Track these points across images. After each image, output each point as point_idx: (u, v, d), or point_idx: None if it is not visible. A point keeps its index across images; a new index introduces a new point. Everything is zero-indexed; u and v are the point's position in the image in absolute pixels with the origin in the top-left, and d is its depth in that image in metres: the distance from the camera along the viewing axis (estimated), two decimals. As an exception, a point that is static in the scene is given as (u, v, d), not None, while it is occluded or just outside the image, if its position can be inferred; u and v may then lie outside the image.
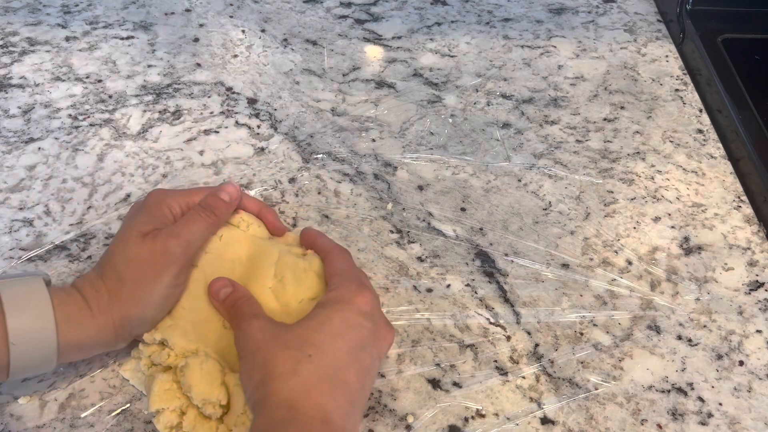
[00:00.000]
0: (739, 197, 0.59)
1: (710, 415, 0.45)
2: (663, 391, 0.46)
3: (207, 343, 0.44)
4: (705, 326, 0.50)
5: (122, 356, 0.46)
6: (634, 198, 0.59)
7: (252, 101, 0.67)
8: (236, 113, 0.65)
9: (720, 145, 0.64)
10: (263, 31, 0.75)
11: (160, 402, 0.42)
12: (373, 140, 0.63)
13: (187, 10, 0.77)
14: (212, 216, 0.46)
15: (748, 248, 0.55)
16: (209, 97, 0.67)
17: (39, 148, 0.61)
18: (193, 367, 0.42)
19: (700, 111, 0.67)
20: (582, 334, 0.49)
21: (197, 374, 0.42)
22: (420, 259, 0.53)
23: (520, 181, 0.60)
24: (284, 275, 0.47)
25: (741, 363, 0.48)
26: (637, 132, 0.65)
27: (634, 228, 0.56)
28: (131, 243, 0.43)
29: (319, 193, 0.58)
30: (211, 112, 0.65)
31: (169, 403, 0.42)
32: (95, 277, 0.42)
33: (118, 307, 0.41)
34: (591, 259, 0.54)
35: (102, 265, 0.43)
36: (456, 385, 0.46)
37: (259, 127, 0.64)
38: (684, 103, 0.68)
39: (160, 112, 0.65)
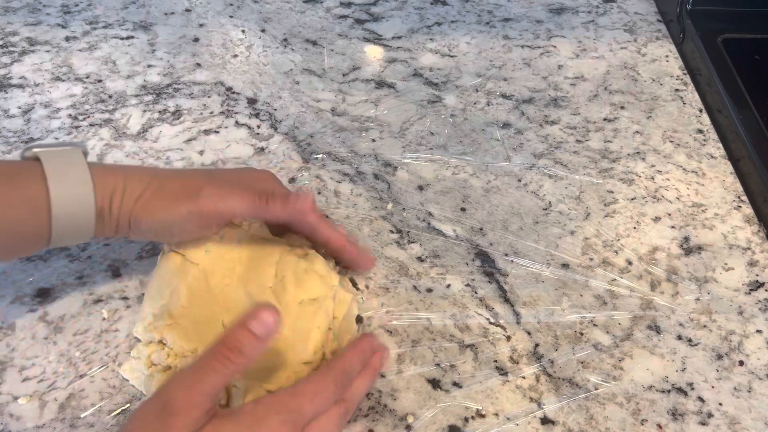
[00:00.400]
0: (739, 197, 0.59)
1: (710, 415, 0.45)
2: (663, 391, 0.46)
3: (207, 342, 0.44)
4: (705, 326, 0.50)
5: (122, 356, 0.46)
6: (634, 198, 0.59)
7: (252, 101, 0.67)
8: (236, 113, 0.65)
9: (720, 145, 0.64)
10: (263, 31, 0.75)
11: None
12: (373, 140, 0.63)
13: (187, 10, 0.77)
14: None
15: (748, 248, 0.55)
16: (209, 97, 0.67)
17: (39, 148, 0.61)
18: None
19: (700, 111, 0.67)
20: (582, 334, 0.49)
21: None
22: (420, 259, 0.53)
23: (520, 181, 0.60)
24: (285, 275, 0.47)
25: (741, 363, 0.48)
26: (637, 132, 0.65)
27: (634, 228, 0.56)
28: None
29: (319, 193, 0.58)
30: (211, 112, 0.65)
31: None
32: (149, 176, 0.43)
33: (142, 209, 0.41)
34: (591, 259, 0.54)
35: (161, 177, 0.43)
36: (456, 385, 0.46)
37: (259, 127, 0.64)
38: (684, 103, 0.68)
39: (160, 112, 0.65)
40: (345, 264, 0.51)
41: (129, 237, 0.44)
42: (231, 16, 0.77)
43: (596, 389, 0.46)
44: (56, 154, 0.40)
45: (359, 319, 0.49)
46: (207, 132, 0.63)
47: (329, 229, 0.48)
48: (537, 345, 0.48)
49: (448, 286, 0.52)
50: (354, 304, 0.49)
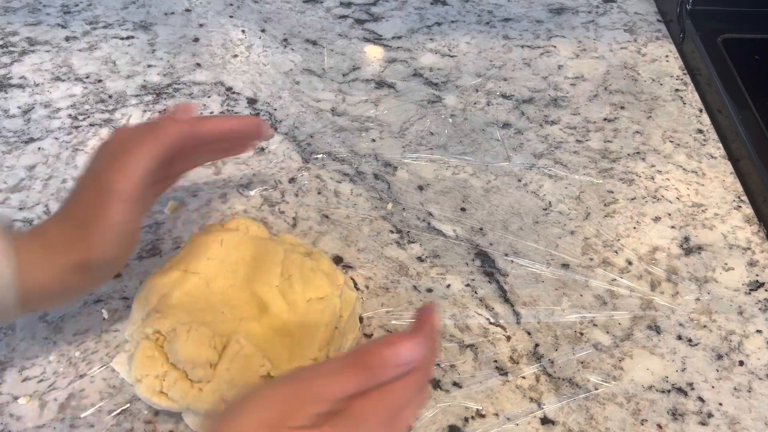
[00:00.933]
0: (739, 197, 0.59)
1: (710, 415, 0.45)
2: (663, 391, 0.46)
3: (202, 320, 0.44)
4: (705, 326, 0.50)
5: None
6: (634, 198, 0.59)
7: (252, 101, 0.67)
8: (236, 113, 0.65)
9: (720, 145, 0.64)
10: (263, 31, 0.75)
11: (142, 368, 0.42)
12: (373, 140, 0.63)
13: (187, 10, 0.77)
14: (165, 137, 0.42)
15: (748, 248, 0.55)
16: (209, 97, 0.67)
17: (39, 148, 0.61)
18: (180, 334, 0.42)
19: (700, 111, 0.67)
20: (582, 334, 0.49)
21: (183, 339, 0.42)
22: (420, 259, 0.53)
23: (520, 181, 0.60)
24: (291, 274, 0.47)
25: (741, 363, 0.48)
26: (637, 132, 0.65)
27: (634, 228, 0.56)
28: (79, 183, 0.42)
29: (319, 193, 0.58)
30: (211, 112, 0.65)
31: (152, 370, 0.42)
32: (54, 221, 0.42)
33: (76, 250, 0.40)
34: (591, 259, 0.54)
35: (59, 209, 0.42)
36: (456, 385, 0.46)
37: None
38: (684, 103, 0.68)
39: (160, 112, 0.65)
40: (244, 141, 0.51)
41: (107, 278, 0.45)
42: (231, 16, 0.77)
43: (596, 389, 0.46)
44: None
45: (360, 319, 0.49)
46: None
47: (212, 120, 0.49)
48: (537, 345, 0.48)
49: (448, 286, 0.52)
50: (358, 303, 0.49)
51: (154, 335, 0.43)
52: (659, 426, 0.44)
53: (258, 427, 0.32)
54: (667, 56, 0.74)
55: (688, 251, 0.55)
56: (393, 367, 0.34)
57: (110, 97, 0.66)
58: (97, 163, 0.43)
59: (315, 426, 0.32)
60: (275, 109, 0.66)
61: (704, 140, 0.64)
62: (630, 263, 0.54)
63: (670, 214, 0.57)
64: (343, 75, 0.70)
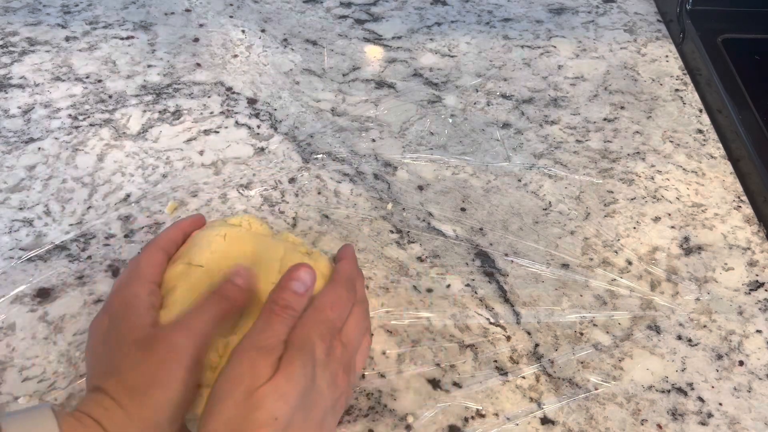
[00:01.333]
0: (739, 197, 0.59)
1: (710, 415, 0.45)
2: (663, 391, 0.46)
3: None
4: (705, 326, 0.50)
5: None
6: (634, 198, 0.59)
7: (252, 101, 0.67)
8: (236, 113, 0.65)
9: (720, 145, 0.64)
10: (263, 31, 0.75)
11: None
12: (373, 140, 0.63)
13: (187, 10, 0.77)
14: (225, 302, 0.41)
15: (748, 248, 0.55)
16: (209, 97, 0.67)
17: (39, 148, 0.61)
18: None
19: (700, 111, 0.67)
20: (582, 334, 0.49)
21: None
22: (420, 259, 0.53)
23: (520, 181, 0.60)
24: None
25: (741, 363, 0.48)
26: (637, 132, 0.65)
27: (634, 228, 0.56)
28: (129, 351, 0.38)
29: (319, 193, 0.58)
30: (211, 112, 0.65)
31: None
32: (100, 397, 0.37)
33: (140, 420, 0.37)
34: (591, 259, 0.54)
35: (102, 381, 0.38)
36: (456, 385, 0.46)
37: (259, 127, 0.64)
38: (684, 103, 0.68)
39: (160, 112, 0.65)
40: None
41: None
42: (231, 16, 0.77)
43: (596, 389, 0.46)
44: (22, 417, 0.35)
45: None
46: (207, 132, 0.63)
47: None
48: (537, 345, 0.48)
49: (448, 286, 0.52)
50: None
51: None
52: (659, 426, 0.44)
53: (234, 402, 0.36)
54: (667, 56, 0.74)
55: (688, 251, 0.55)
56: (303, 293, 0.41)
57: (110, 97, 0.66)
58: (130, 331, 0.39)
59: (276, 372, 0.36)
60: (275, 109, 0.66)
61: (704, 140, 0.64)
62: (630, 263, 0.54)
63: (670, 214, 0.57)
64: (343, 75, 0.70)
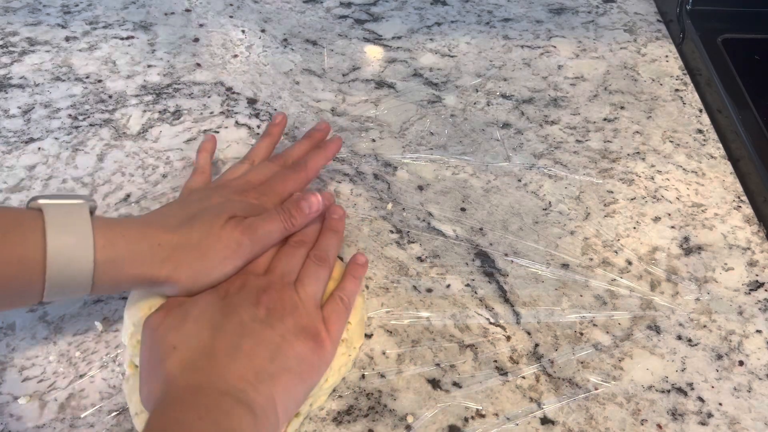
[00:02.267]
0: (739, 197, 0.59)
1: (710, 415, 0.45)
2: (663, 391, 0.46)
3: None
4: (705, 326, 0.50)
5: (122, 357, 0.46)
6: (634, 198, 0.59)
7: (252, 101, 0.67)
8: (236, 113, 0.65)
9: (720, 145, 0.64)
10: (263, 31, 0.75)
11: (139, 404, 0.41)
12: (373, 140, 0.63)
13: (187, 10, 0.77)
14: (288, 221, 0.47)
15: (748, 248, 0.55)
16: (209, 97, 0.67)
17: (39, 148, 0.61)
18: None
19: (700, 111, 0.67)
20: (582, 334, 0.49)
21: None
22: (420, 259, 0.53)
23: (520, 181, 0.60)
24: None
25: (741, 363, 0.48)
26: (637, 132, 0.65)
27: (634, 228, 0.56)
28: (216, 220, 0.44)
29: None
30: (211, 112, 0.65)
31: None
32: (164, 230, 0.42)
33: (172, 267, 0.41)
34: (591, 259, 0.54)
35: (181, 222, 0.43)
36: (456, 385, 0.46)
37: (259, 127, 0.64)
38: (684, 103, 0.68)
39: (160, 112, 0.65)
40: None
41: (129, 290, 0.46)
42: (231, 16, 0.77)
43: (596, 389, 0.46)
44: (60, 208, 0.39)
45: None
46: (207, 132, 0.63)
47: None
48: (537, 345, 0.48)
49: (448, 286, 0.52)
50: (364, 308, 0.49)
51: None
52: (659, 426, 0.44)
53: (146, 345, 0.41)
54: (667, 56, 0.74)
55: (688, 251, 0.55)
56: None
57: (110, 97, 0.66)
58: (232, 209, 0.45)
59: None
60: (275, 109, 0.66)
61: (704, 140, 0.64)
62: (630, 263, 0.54)
63: (670, 214, 0.57)
64: (343, 75, 0.70)
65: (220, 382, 0.37)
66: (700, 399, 0.46)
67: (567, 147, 0.63)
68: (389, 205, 0.57)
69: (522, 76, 0.71)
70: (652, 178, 0.60)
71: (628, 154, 0.63)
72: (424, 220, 0.56)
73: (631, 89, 0.70)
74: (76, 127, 0.63)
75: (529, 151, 0.63)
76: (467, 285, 0.52)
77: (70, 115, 0.64)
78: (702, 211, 0.58)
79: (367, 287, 0.51)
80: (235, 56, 0.72)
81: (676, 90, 0.70)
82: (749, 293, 0.52)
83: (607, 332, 0.49)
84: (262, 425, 0.37)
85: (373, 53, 0.73)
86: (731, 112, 0.64)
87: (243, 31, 0.75)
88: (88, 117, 0.64)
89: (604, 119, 0.66)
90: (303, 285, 0.44)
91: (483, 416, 0.44)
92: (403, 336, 0.48)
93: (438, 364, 0.47)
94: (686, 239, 0.56)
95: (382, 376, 0.46)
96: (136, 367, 0.43)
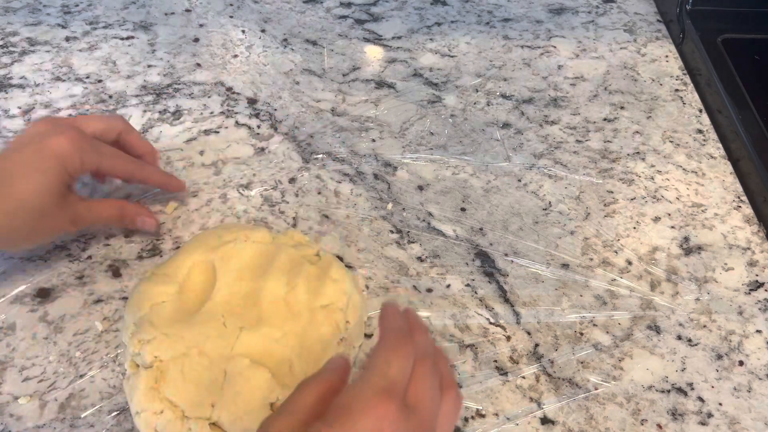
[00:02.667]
0: (739, 197, 0.59)
1: (710, 415, 0.45)
2: (663, 391, 0.46)
3: (200, 337, 0.43)
4: (705, 326, 0.50)
5: (122, 357, 0.46)
6: (634, 198, 0.59)
7: (252, 101, 0.67)
8: (236, 113, 0.65)
9: (720, 145, 0.64)
10: (263, 31, 0.75)
11: (143, 402, 0.41)
12: (373, 140, 0.63)
13: (187, 10, 0.77)
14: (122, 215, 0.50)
15: (748, 248, 0.55)
16: (209, 97, 0.67)
17: (39, 148, 0.60)
18: (174, 372, 0.41)
19: (700, 111, 0.67)
20: (582, 334, 0.49)
21: (178, 377, 0.41)
22: (420, 259, 0.53)
23: (520, 181, 0.60)
24: (297, 283, 0.46)
25: (741, 363, 0.48)
26: (637, 132, 0.65)
27: (634, 228, 0.56)
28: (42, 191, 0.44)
29: (319, 193, 0.58)
30: (211, 112, 0.65)
31: (150, 405, 0.41)
32: None
33: None
34: (591, 259, 0.54)
35: None
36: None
37: (259, 127, 0.64)
38: (684, 103, 0.68)
39: (160, 112, 0.65)
40: (156, 187, 0.56)
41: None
42: (231, 16, 0.77)
43: (596, 389, 0.46)
44: None
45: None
46: (207, 132, 0.63)
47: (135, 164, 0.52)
48: (537, 345, 0.48)
49: (448, 286, 0.52)
50: (364, 308, 0.49)
51: (154, 362, 0.42)
52: (659, 426, 0.44)
53: None
54: (666, 56, 0.74)
55: (688, 251, 0.55)
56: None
57: (110, 97, 0.66)
58: (56, 177, 0.45)
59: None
60: (275, 109, 0.66)
61: (704, 140, 0.64)
62: (630, 263, 0.54)
63: (669, 214, 0.57)
64: (343, 75, 0.70)
65: None
66: (700, 399, 0.46)
67: (567, 147, 0.63)
68: (389, 205, 0.57)
69: (522, 76, 0.71)
70: (652, 178, 0.60)
71: (628, 154, 0.63)
72: (424, 220, 0.56)
73: (631, 89, 0.70)
74: (76, 127, 0.63)
75: (529, 151, 0.63)
76: (467, 285, 0.52)
77: (70, 115, 0.64)
78: (702, 211, 0.58)
79: (367, 287, 0.51)
80: (235, 56, 0.72)
81: (676, 90, 0.70)
82: (749, 293, 0.52)
83: (607, 332, 0.49)
84: None
85: (373, 53, 0.73)
86: (731, 112, 0.64)
87: (243, 31, 0.75)
88: (88, 117, 0.64)
89: (604, 119, 0.66)
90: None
91: (483, 416, 0.44)
92: (403, 336, 0.48)
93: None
94: (686, 239, 0.56)
95: (382, 376, 0.46)
96: (137, 366, 0.43)
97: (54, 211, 0.46)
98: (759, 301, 0.51)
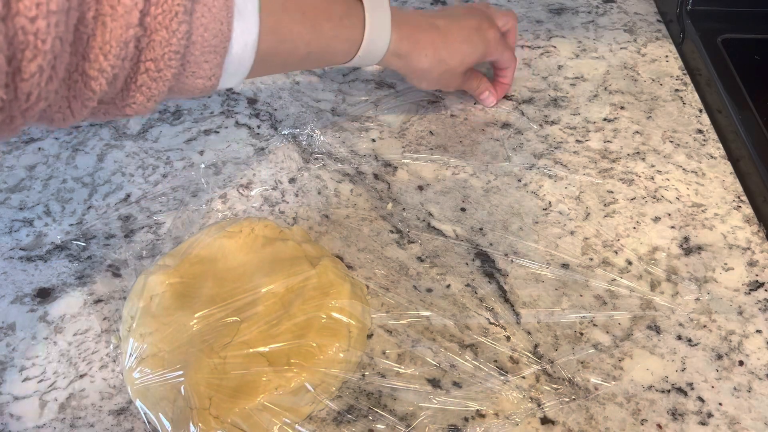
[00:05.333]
0: (739, 197, 0.59)
1: (710, 415, 0.45)
2: (663, 391, 0.46)
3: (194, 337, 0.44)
4: (705, 326, 0.50)
5: (122, 357, 0.46)
6: (634, 198, 0.59)
7: (252, 101, 0.67)
8: (236, 113, 0.65)
9: (720, 145, 0.64)
10: (263, 31, 0.75)
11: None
12: (373, 140, 0.63)
13: (187, 10, 0.77)
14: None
15: (748, 248, 0.55)
16: (209, 97, 0.67)
17: (39, 148, 0.61)
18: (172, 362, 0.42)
19: (700, 111, 0.67)
20: (582, 334, 0.49)
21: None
22: (420, 259, 0.53)
23: (520, 181, 0.60)
24: (294, 287, 0.46)
25: (741, 363, 0.48)
26: (637, 132, 0.65)
27: (634, 228, 0.56)
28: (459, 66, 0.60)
29: (319, 193, 0.58)
30: (211, 112, 0.65)
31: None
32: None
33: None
34: (591, 259, 0.54)
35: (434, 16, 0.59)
36: (456, 385, 0.46)
37: (259, 127, 0.64)
38: (684, 103, 0.68)
39: (160, 112, 0.65)
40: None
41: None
42: (231, 16, 0.77)
43: (596, 389, 0.46)
44: (376, 5, 0.53)
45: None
46: (207, 132, 0.63)
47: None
48: (537, 345, 0.48)
49: (448, 286, 0.52)
50: (367, 314, 0.49)
51: (159, 353, 0.43)
52: (659, 426, 0.44)
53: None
54: (666, 56, 0.74)
55: (688, 251, 0.55)
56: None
57: (110, 97, 0.66)
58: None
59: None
60: (275, 109, 0.66)
61: (704, 140, 0.64)
62: (630, 263, 0.54)
63: (670, 214, 0.57)
64: (343, 75, 0.70)
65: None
66: (700, 399, 0.46)
67: (567, 147, 0.63)
68: (389, 205, 0.57)
69: (522, 76, 0.71)
70: (652, 178, 0.60)
71: (628, 154, 0.63)
72: (424, 220, 0.56)
73: (631, 89, 0.70)
74: (76, 127, 0.63)
75: (529, 151, 0.63)
76: (467, 285, 0.52)
77: (70, 115, 0.64)
78: (702, 211, 0.58)
79: (366, 287, 0.51)
80: (235, 56, 0.72)
81: (676, 90, 0.70)
82: (749, 293, 0.52)
83: (607, 332, 0.49)
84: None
85: (373, 53, 0.73)
86: (731, 112, 0.64)
87: (243, 31, 0.75)
88: (88, 117, 0.64)
89: (604, 119, 0.66)
90: None
91: (483, 416, 0.44)
92: (403, 336, 0.49)
93: (438, 364, 0.47)
94: (686, 239, 0.56)
95: (382, 376, 0.46)
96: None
97: (461, 72, 0.61)
98: (759, 301, 0.51)
